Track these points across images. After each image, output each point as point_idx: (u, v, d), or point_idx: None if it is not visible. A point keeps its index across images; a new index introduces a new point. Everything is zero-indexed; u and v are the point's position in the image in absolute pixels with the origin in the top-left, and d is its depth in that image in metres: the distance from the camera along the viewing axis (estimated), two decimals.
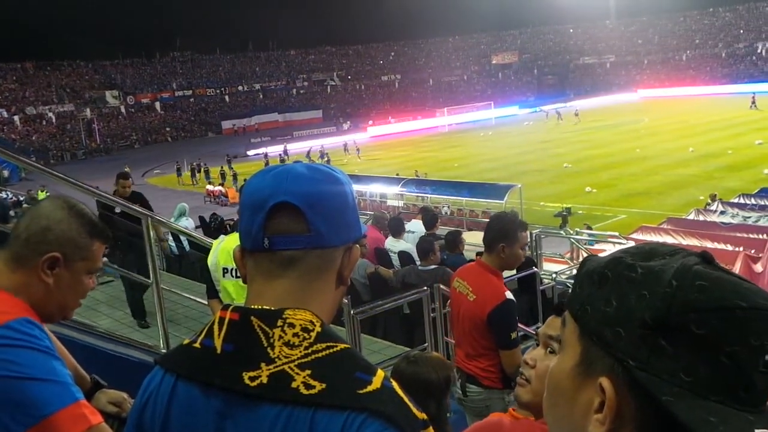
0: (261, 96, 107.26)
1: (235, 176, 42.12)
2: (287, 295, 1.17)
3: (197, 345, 1.17)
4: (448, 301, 5.78)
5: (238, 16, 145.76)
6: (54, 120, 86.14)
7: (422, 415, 1.11)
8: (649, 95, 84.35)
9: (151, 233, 4.99)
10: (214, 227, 12.84)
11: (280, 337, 1.12)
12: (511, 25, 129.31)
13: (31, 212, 1.81)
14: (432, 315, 6.14)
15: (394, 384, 1.12)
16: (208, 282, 4.59)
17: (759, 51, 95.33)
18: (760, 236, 14.10)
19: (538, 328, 7.71)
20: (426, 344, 6.00)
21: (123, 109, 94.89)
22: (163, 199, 34.76)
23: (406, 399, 1.11)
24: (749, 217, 15.66)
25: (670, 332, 0.76)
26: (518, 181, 27.02)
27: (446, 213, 23.59)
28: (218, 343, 1.14)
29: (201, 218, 14.31)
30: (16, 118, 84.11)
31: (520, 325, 5.13)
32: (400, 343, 7.41)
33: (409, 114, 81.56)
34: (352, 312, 5.40)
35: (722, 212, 16.52)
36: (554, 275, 8.25)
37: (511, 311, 4.07)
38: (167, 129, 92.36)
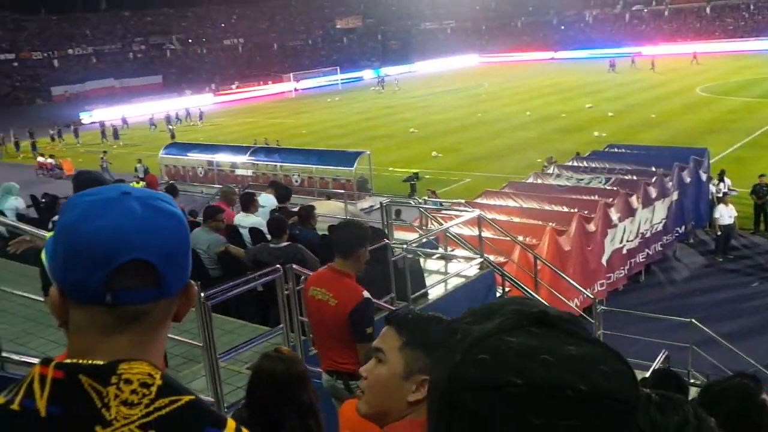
0: (94, 60, 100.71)
1: (33, 145, 40.60)
2: (127, 350, 1.04)
3: (15, 407, 1.00)
4: (303, 278, 5.74)
5: None
6: None
7: None
8: (488, 60, 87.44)
9: None
10: (45, 207, 11.90)
11: (116, 395, 0.99)
12: None
13: None
14: (286, 293, 6.07)
15: None
16: (44, 277, 4.24)
17: (587, 19, 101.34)
18: (593, 197, 15.08)
19: (391, 296, 7.87)
20: (281, 325, 5.93)
21: None
22: None
23: None
24: (582, 179, 16.67)
25: (457, 408, 0.73)
26: (367, 147, 27.29)
27: (296, 182, 23.39)
28: (41, 405, 0.99)
29: (32, 197, 13.25)
30: None
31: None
32: (255, 322, 7.29)
33: (254, 79, 79.76)
34: (203, 296, 5.19)
35: (558, 175, 17.46)
36: (405, 245, 8.37)
37: (368, 309, 4.57)
38: None
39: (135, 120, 52.35)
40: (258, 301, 7.52)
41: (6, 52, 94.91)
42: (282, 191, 9.97)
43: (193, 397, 1.04)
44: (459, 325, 0.78)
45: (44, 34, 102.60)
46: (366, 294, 4.55)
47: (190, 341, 5.34)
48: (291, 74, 73.83)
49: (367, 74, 77.30)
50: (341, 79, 73.60)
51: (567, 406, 0.69)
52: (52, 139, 44.08)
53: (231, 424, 1.04)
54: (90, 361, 1.02)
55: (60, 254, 1.04)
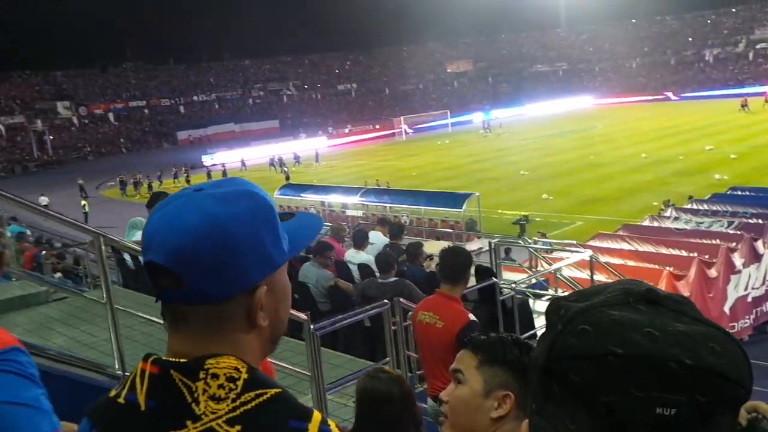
0: (216, 106, 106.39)
1: (150, 186, 44.89)
2: (188, 349, 1.06)
3: (121, 400, 1.06)
4: (409, 314, 5.77)
5: (191, 26, 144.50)
6: (4, 132, 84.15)
7: None
8: (601, 102, 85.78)
9: (104, 253, 4.82)
10: None
11: (204, 390, 1.02)
12: (464, 33, 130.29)
13: None
14: (393, 328, 6.10)
15: (332, 426, 1.06)
16: None
17: (706, 58, 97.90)
18: (713, 242, 14.36)
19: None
20: (387, 359, 5.96)
21: (75, 120, 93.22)
22: (119, 212, 34.27)
23: None
24: (702, 223, 15.93)
25: (556, 378, 0.73)
26: (476, 189, 27.23)
27: (405, 222, 23.58)
28: (141, 399, 1.04)
29: None
30: None
31: None
32: (361, 357, 7.35)
33: (366, 123, 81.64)
34: (312, 327, 5.31)
35: (676, 218, 16.77)
36: (514, 285, 8.25)
37: (476, 330, 4.43)
38: (121, 140, 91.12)
39: (252, 162, 54.60)
40: (366, 338, 7.60)
41: (138, 99, 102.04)
42: (395, 229, 10.15)
43: (279, 390, 1.05)
44: (563, 303, 0.78)
45: (172, 83, 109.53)
46: (472, 317, 4.62)
47: (299, 370, 5.45)
48: (401, 118, 75.02)
49: (477, 117, 77.33)
50: (451, 122, 74.12)
51: (670, 380, 0.67)
52: (187, 182, 47.64)
53: (317, 416, 1.04)
54: (178, 358, 1.05)
55: None
